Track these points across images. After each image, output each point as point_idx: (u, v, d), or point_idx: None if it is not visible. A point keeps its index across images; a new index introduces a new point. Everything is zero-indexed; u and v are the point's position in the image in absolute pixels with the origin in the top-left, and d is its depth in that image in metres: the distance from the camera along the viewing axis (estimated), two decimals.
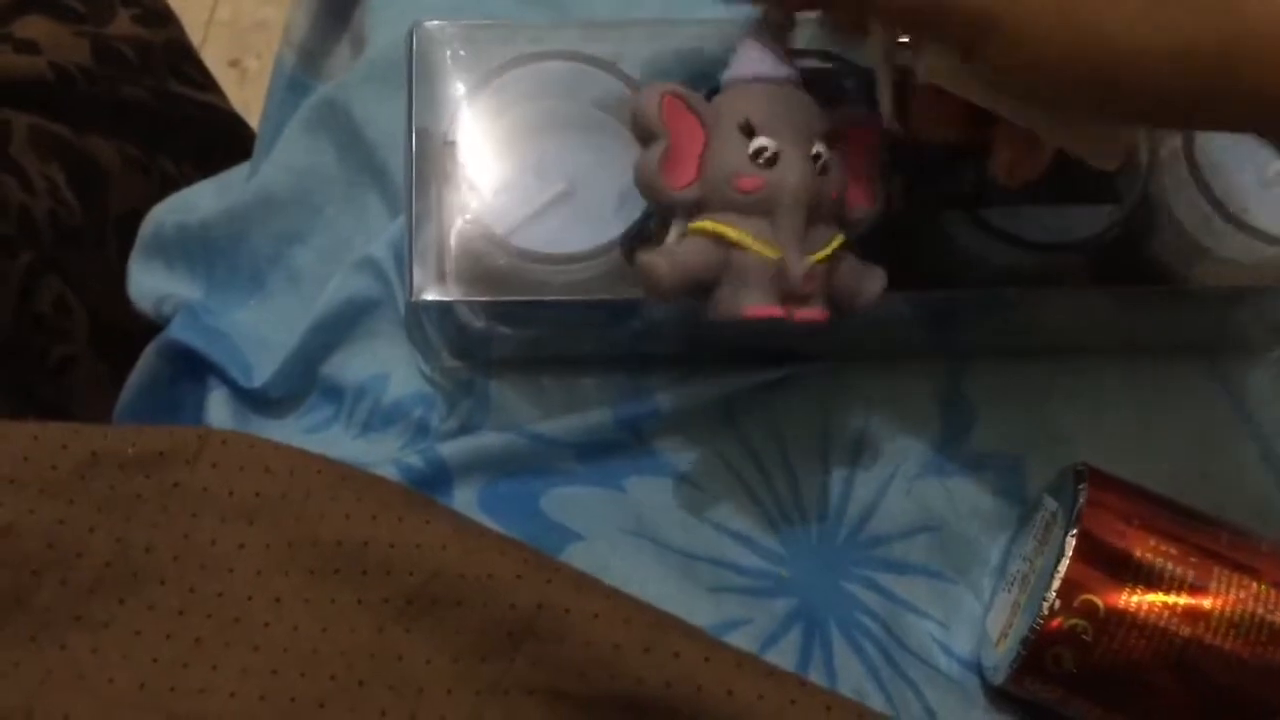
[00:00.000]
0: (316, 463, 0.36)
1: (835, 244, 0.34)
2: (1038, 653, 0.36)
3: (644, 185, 0.34)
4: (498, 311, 0.39)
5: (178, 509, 0.35)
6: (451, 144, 0.38)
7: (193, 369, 0.45)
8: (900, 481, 0.41)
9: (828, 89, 0.36)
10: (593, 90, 0.39)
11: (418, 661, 0.34)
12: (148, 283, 0.48)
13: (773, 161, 0.33)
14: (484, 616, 0.34)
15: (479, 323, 0.40)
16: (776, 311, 0.33)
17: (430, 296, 0.37)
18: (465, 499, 0.41)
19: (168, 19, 0.65)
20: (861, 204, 0.36)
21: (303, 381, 0.44)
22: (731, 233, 0.33)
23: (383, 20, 0.46)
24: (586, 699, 0.33)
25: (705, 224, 0.33)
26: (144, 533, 0.35)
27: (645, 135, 0.34)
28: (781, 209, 0.33)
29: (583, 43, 0.39)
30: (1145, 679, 0.35)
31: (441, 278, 0.37)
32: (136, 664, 0.33)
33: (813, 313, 0.34)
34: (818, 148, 0.34)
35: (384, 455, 0.41)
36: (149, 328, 0.48)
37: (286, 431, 0.43)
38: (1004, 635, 0.38)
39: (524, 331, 0.41)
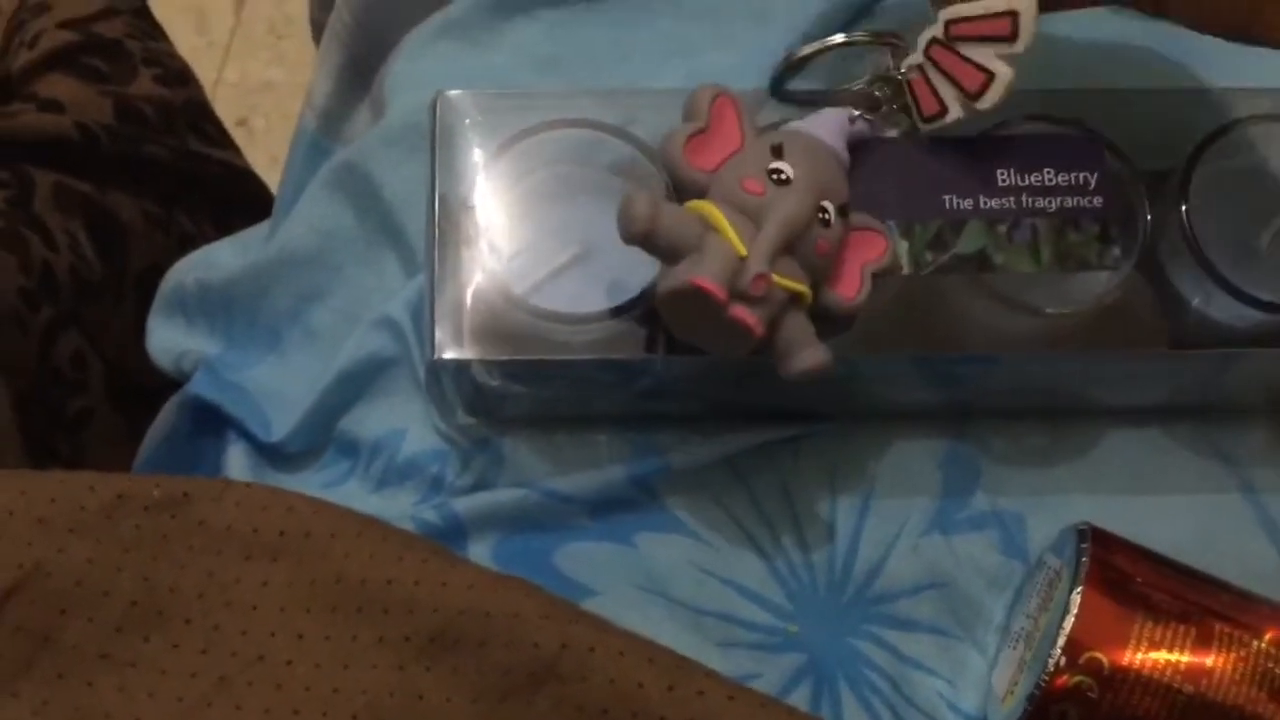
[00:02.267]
0: (340, 508, 0.37)
1: (797, 285, 0.35)
2: (1044, 709, 0.36)
3: (666, 153, 0.37)
4: (514, 371, 0.40)
5: (202, 547, 0.36)
6: (471, 208, 0.39)
7: (212, 424, 0.46)
8: (906, 539, 0.42)
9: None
10: (607, 156, 0.41)
11: (438, 700, 0.34)
12: (167, 339, 0.49)
13: (782, 184, 0.36)
14: (507, 656, 0.34)
15: (494, 381, 0.41)
16: (720, 292, 0.34)
17: (450, 355, 0.38)
18: (480, 554, 0.41)
19: (187, 79, 0.67)
20: (843, 293, 0.37)
21: (320, 437, 0.45)
22: (716, 214, 0.35)
23: (402, 86, 0.47)
24: None
25: (699, 204, 0.36)
26: (169, 572, 0.35)
27: (688, 117, 0.37)
28: (769, 221, 0.35)
29: (597, 110, 0.41)
30: None
31: (459, 337, 0.39)
32: (162, 703, 0.34)
33: (748, 315, 0.34)
34: (827, 204, 0.36)
35: (399, 511, 0.42)
36: (165, 383, 0.49)
37: (304, 486, 0.44)
38: (1010, 692, 0.38)
39: (539, 390, 0.42)
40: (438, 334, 0.38)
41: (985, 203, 0.39)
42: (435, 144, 0.40)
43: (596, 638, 0.34)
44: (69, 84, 0.61)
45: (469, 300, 0.39)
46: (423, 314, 0.42)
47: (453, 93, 0.41)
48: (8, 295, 0.53)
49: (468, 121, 0.41)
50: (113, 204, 0.60)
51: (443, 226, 0.39)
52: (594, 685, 0.34)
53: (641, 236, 0.35)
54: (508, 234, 0.40)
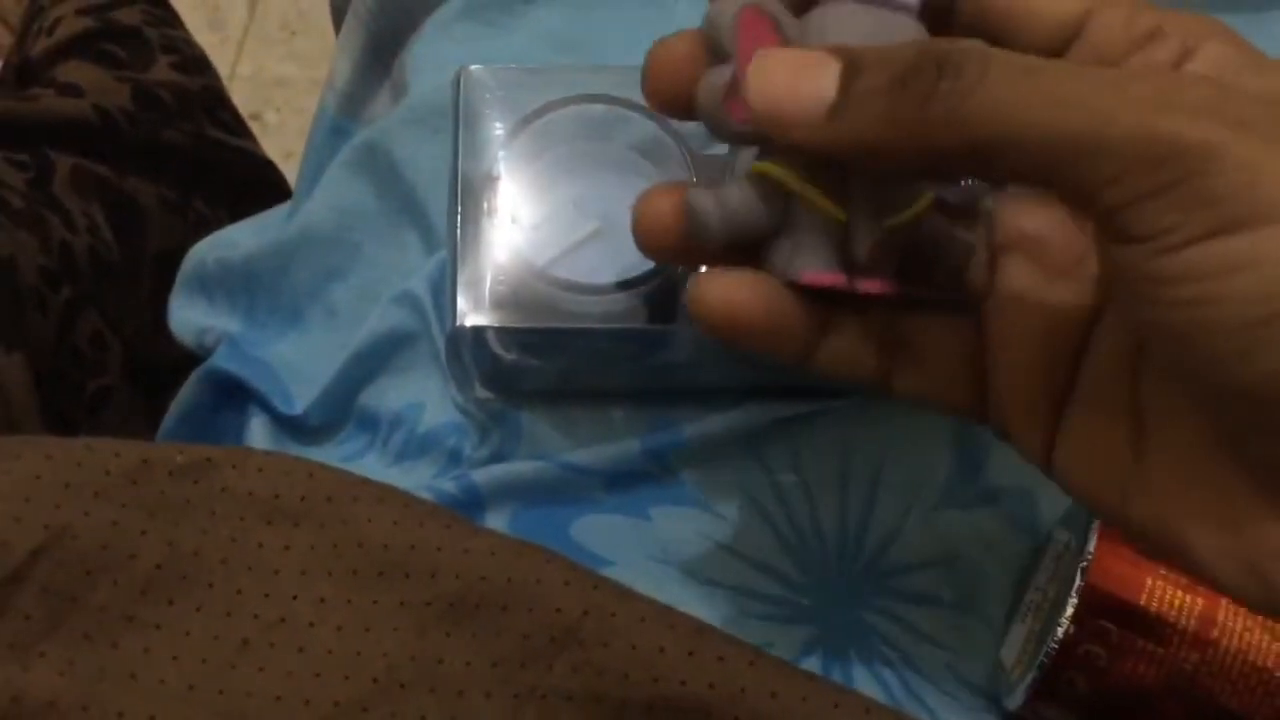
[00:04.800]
0: (361, 477, 0.37)
1: (920, 205, 0.29)
2: (1053, 677, 0.37)
3: (704, 113, 0.29)
4: (531, 343, 0.41)
5: (225, 512, 0.36)
6: (495, 179, 0.40)
7: (234, 397, 0.47)
8: (917, 514, 0.43)
9: None
10: (627, 132, 0.41)
11: (458, 664, 0.34)
12: (189, 316, 0.49)
13: None
14: (528, 621, 0.34)
15: (512, 355, 0.42)
16: (837, 280, 0.29)
17: (471, 322, 0.39)
18: (497, 525, 0.42)
19: (204, 66, 0.68)
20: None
21: (340, 410, 0.45)
22: (794, 183, 0.28)
23: (423, 68, 0.48)
24: (624, 703, 0.34)
25: (768, 167, 0.29)
26: (193, 537, 0.36)
27: (718, 53, 0.29)
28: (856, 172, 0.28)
29: (617, 87, 0.41)
30: (1157, 703, 0.36)
31: (480, 307, 0.39)
32: (186, 665, 0.34)
33: (875, 284, 0.29)
34: None
35: (418, 483, 0.43)
36: (182, 362, 0.50)
37: (323, 459, 0.44)
38: (1019, 662, 0.39)
39: (555, 363, 0.43)
40: (460, 303, 0.39)
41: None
42: (459, 118, 0.41)
43: (618, 604, 0.35)
44: (87, 69, 0.62)
45: (490, 272, 0.39)
46: (443, 290, 0.42)
47: (475, 68, 0.41)
48: (29, 274, 0.54)
49: (489, 97, 0.41)
50: (130, 188, 0.61)
51: (464, 200, 0.40)
52: (615, 650, 0.34)
53: (719, 236, 0.29)
54: (529, 207, 0.40)
